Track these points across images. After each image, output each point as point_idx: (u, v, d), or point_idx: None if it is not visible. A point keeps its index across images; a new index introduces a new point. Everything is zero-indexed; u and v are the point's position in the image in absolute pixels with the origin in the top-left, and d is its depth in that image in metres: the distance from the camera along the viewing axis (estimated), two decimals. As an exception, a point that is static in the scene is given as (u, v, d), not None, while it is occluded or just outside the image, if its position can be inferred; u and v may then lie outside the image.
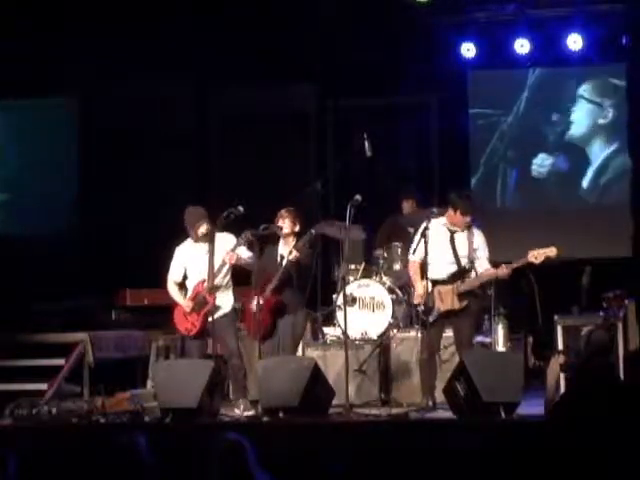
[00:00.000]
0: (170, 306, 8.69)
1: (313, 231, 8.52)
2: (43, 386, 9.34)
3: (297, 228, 8.63)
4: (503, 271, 8.10)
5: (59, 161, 12.56)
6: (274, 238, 8.69)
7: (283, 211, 8.63)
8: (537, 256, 8.01)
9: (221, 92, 12.45)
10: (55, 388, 9.35)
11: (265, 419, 7.78)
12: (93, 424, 7.90)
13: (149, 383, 9.36)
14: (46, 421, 8.11)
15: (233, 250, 8.27)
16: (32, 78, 11.81)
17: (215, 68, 12.14)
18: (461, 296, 8.15)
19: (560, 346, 8.61)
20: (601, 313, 8.63)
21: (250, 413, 8.14)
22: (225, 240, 8.40)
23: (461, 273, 8.21)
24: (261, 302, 8.33)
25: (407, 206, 10.51)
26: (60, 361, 9.62)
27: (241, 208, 8.33)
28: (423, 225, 8.21)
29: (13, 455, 4.78)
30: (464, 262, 8.21)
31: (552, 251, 7.99)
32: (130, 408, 8.14)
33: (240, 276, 8.62)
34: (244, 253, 8.38)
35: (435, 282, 8.19)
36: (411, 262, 8.45)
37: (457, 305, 8.14)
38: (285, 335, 8.54)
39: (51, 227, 12.28)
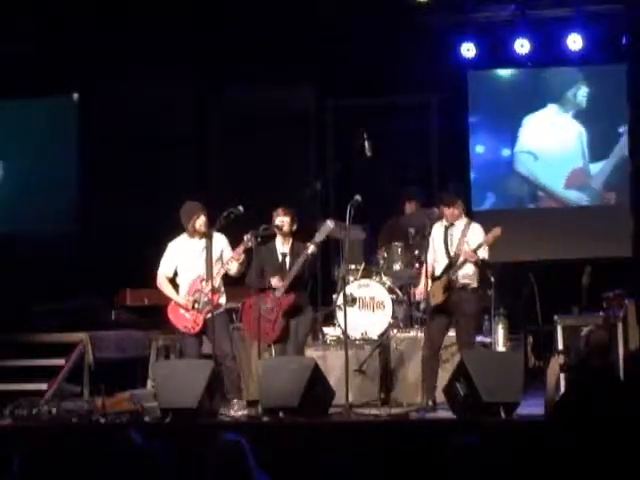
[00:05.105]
0: (170, 306, 8.67)
1: (329, 222, 8.49)
2: (43, 386, 9.34)
3: (294, 227, 8.62)
4: (467, 253, 8.15)
5: (59, 161, 12.55)
6: (269, 236, 8.66)
7: (280, 210, 8.59)
8: (487, 239, 8.19)
9: (221, 92, 12.44)
10: (55, 388, 9.35)
11: (265, 419, 7.78)
12: (93, 424, 7.90)
13: (149, 383, 9.35)
14: (46, 421, 8.11)
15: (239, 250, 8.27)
16: (32, 78, 11.81)
17: (215, 68, 12.13)
18: (445, 288, 8.20)
19: (560, 346, 8.61)
20: (601, 313, 8.63)
21: (244, 412, 8.13)
22: (218, 240, 8.38)
23: (450, 266, 8.26)
24: (271, 302, 8.35)
25: (409, 207, 10.49)
26: (60, 361, 9.62)
27: (241, 208, 8.33)
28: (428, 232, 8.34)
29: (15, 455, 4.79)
30: (453, 255, 8.27)
31: (497, 231, 8.17)
32: (130, 408, 8.13)
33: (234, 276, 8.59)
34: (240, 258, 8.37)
35: (434, 279, 8.27)
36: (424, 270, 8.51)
37: (441, 298, 8.17)
38: (293, 335, 8.52)
39: (51, 227, 12.27)
